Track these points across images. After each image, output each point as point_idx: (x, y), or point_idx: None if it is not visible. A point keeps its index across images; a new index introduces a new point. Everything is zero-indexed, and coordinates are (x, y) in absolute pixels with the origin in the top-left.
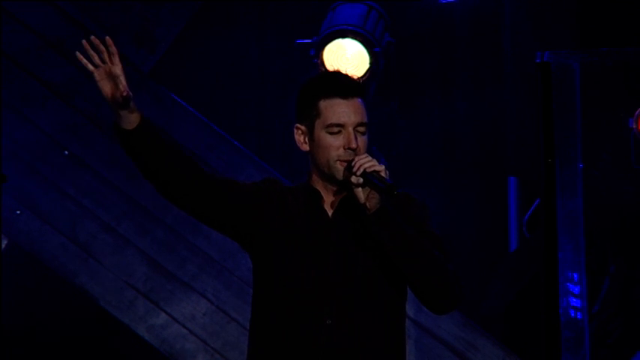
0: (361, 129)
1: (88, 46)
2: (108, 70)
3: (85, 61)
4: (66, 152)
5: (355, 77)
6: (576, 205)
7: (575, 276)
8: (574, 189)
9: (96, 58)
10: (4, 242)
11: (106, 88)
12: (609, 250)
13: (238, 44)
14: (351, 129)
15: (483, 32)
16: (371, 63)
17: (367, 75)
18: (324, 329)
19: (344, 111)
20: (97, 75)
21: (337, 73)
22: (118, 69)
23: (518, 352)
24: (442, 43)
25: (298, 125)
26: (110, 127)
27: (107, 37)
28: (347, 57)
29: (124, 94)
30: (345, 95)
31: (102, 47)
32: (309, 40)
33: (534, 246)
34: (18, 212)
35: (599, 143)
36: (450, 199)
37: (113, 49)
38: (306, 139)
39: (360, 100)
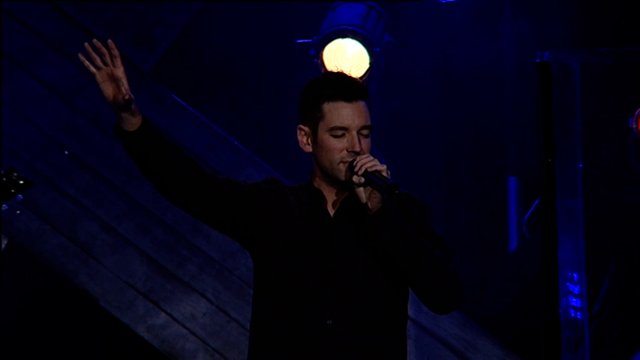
0: (365, 132)
1: (90, 49)
2: (110, 73)
3: (87, 63)
4: (66, 152)
5: (356, 77)
6: (576, 205)
7: (575, 276)
8: (574, 189)
9: (98, 61)
10: (4, 242)
11: (108, 90)
12: (609, 250)
13: (238, 44)
14: (354, 132)
15: (483, 32)
16: (371, 63)
17: (367, 75)
18: (325, 329)
19: (348, 114)
20: (99, 77)
21: (341, 75)
22: (120, 72)
23: (518, 352)
24: (442, 43)
25: (301, 126)
26: (110, 127)
27: (109, 40)
28: (347, 57)
29: (126, 97)
30: (349, 98)
31: (104, 50)
32: (309, 40)
33: (534, 246)
34: (18, 212)
35: (599, 143)
36: (450, 199)
37: (115, 51)
38: (309, 141)
39: (363, 102)
